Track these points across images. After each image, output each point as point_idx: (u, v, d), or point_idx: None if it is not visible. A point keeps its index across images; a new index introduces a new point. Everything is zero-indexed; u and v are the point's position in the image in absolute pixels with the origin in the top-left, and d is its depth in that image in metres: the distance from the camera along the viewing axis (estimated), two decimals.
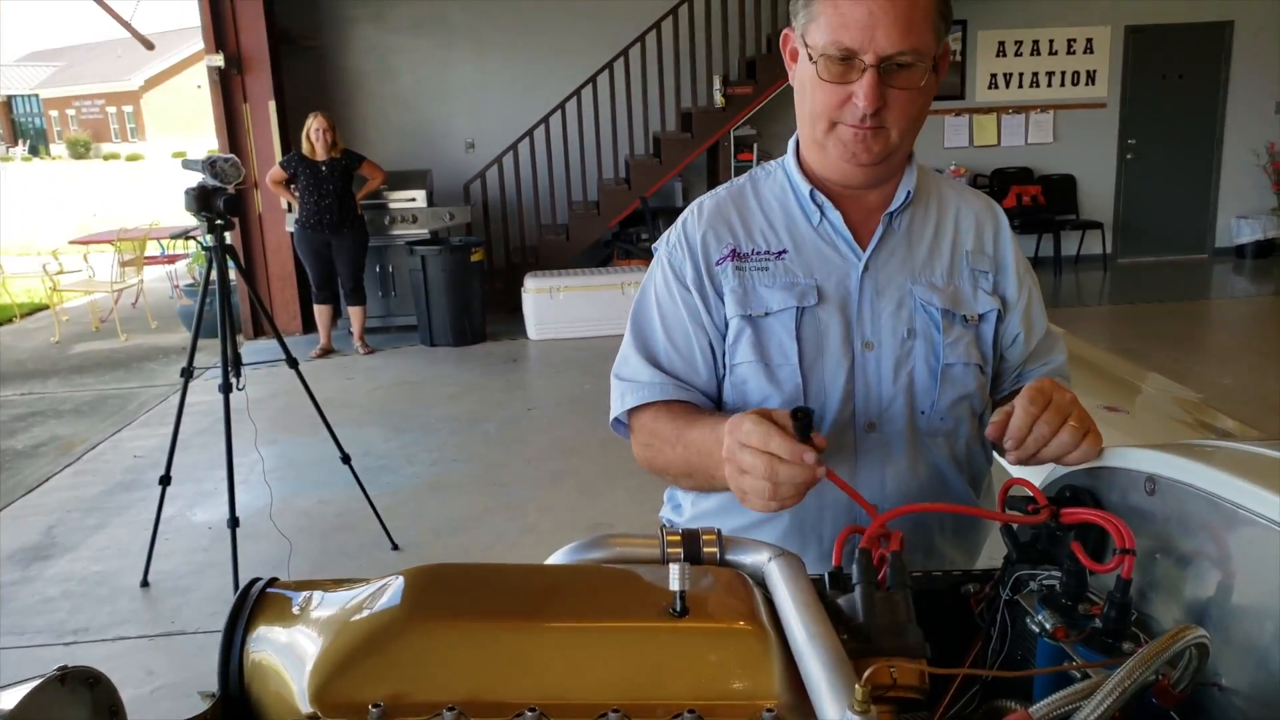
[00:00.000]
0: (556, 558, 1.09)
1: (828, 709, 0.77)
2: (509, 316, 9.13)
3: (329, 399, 6.73)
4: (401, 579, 0.98)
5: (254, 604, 1.02)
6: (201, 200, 3.90)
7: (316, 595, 1.04)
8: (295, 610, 1.03)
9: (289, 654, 0.94)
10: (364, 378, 7.66)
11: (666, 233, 1.60)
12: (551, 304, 8.55)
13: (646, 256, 8.98)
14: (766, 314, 1.47)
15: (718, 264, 1.51)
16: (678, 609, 0.91)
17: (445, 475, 5.46)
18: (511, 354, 8.30)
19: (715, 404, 1.54)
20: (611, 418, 1.55)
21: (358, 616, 0.92)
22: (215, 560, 4.25)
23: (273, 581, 1.07)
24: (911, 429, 1.52)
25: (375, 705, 0.83)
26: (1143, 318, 8.86)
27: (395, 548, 4.44)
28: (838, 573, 1.00)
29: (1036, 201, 11.01)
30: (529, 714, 0.83)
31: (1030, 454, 1.24)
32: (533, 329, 8.65)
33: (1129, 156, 11.16)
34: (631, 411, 1.52)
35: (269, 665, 0.95)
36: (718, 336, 1.51)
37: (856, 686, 0.72)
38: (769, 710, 0.85)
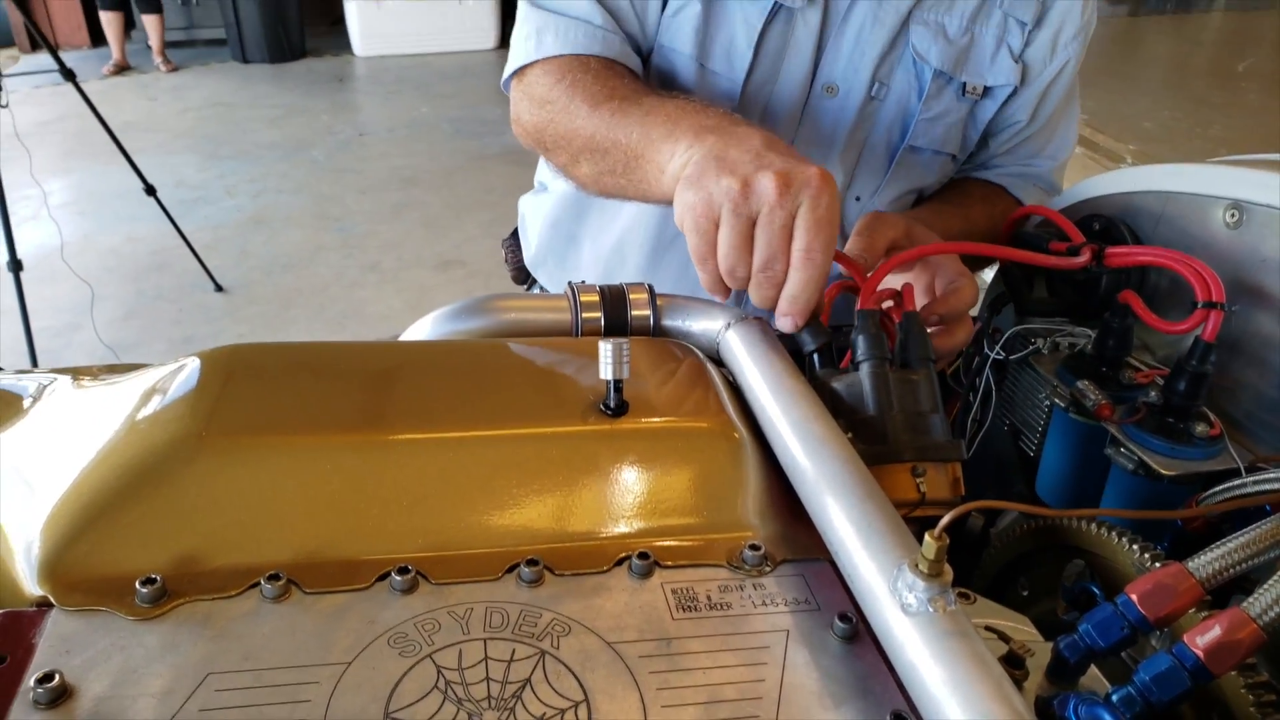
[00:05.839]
0: (420, 330, 0.76)
1: (862, 564, 0.50)
2: (331, 29, 8.09)
3: (130, 123, 5.90)
4: (194, 366, 0.64)
5: None
6: None
7: (59, 392, 0.69)
8: (23, 415, 0.68)
9: (10, 488, 0.61)
10: (170, 98, 6.70)
11: None
12: (379, 14, 7.59)
13: None
14: None
15: None
16: (611, 405, 0.62)
17: (271, 208, 4.88)
18: (336, 72, 7.41)
19: None
20: (518, 62, 1.06)
21: (119, 433, 0.59)
22: (5, 308, 3.69)
23: None
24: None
25: (147, 581, 0.52)
26: None
27: (219, 289, 3.98)
28: (827, 343, 0.72)
29: None
30: (397, 577, 0.54)
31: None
32: (359, 43, 7.70)
33: None
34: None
35: None
36: None
37: (928, 538, 0.45)
38: (753, 546, 0.59)
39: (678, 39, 1.05)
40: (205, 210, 4.78)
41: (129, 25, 7.36)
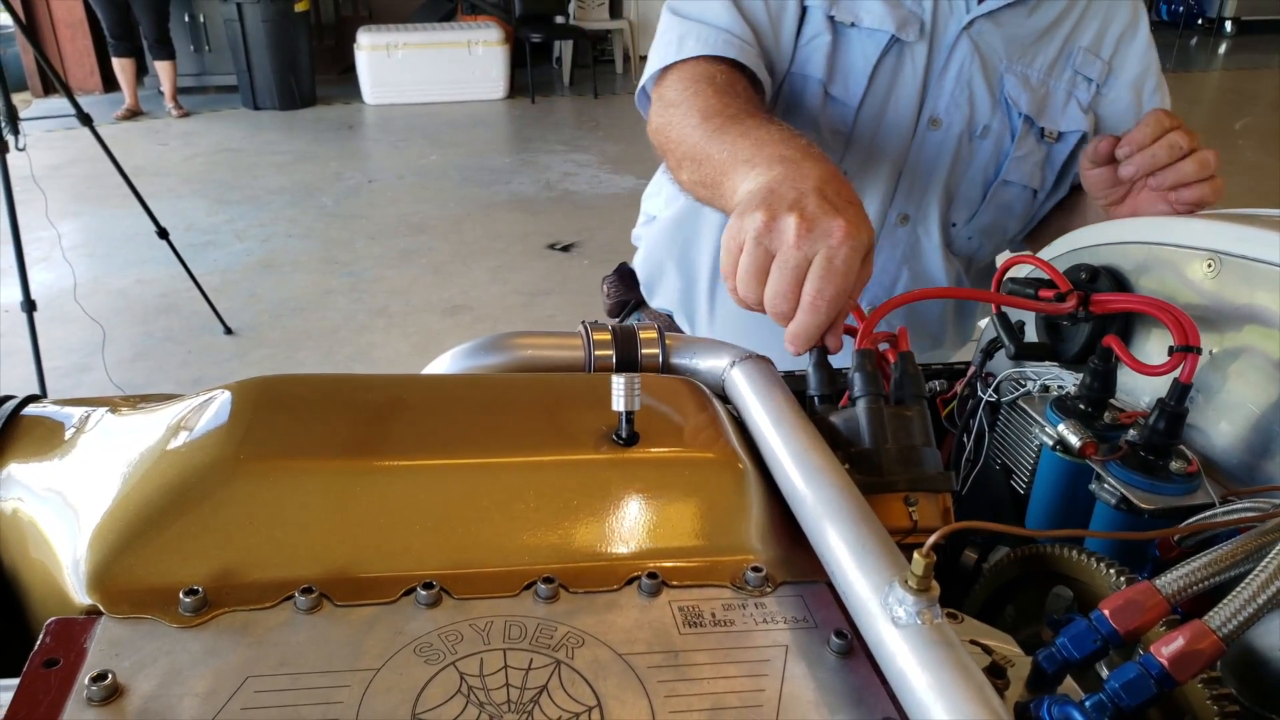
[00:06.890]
0: (440, 365, 0.81)
1: (856, 582, 0.54)
2: (341, 78, 8.29)
3: (141, 166, 6.01)
4: (225, 396, 0.68)
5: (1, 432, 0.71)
6: None
7: (99, 420, 0.73)
8: (66, 441, 0.72)
9: (56, 507, 0.65)
10: (180, 143, 6.84)
11: None
12: (389, 63, 7.76)
13: (496, 12, 8.20)
14: (854, 24, 1.17)
15: None
16: (623, 435, 0.66)
17: (280, 252, 4.97)
18: (346, 120, 7.56)
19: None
20: (658, 65, 1.16)
21: (158, 456, 0.63)
22: (16, 348, 3.74)
23: (31, 400, 0.76)
24: (941, 238, 1.31)
25: (190, 591, 0.56)
26: None
27: (229, 331, 4.04)
28: (830, 393, 0.76)
29: None
30: (422, 592, 0.58)
31: (1147, 170, 1.04)
32: (369, 92, 7.87)
33: None
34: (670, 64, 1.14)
35: (25, 521, 0.66)
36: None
37: (916, 555, 0.49)
38: (755, 569, 0.62)
39: (809, 64, 1.18)
40: (214, 254, 4.85)
41: (141, 71, 7.52)
